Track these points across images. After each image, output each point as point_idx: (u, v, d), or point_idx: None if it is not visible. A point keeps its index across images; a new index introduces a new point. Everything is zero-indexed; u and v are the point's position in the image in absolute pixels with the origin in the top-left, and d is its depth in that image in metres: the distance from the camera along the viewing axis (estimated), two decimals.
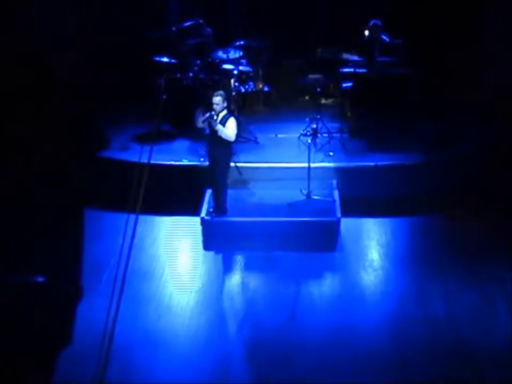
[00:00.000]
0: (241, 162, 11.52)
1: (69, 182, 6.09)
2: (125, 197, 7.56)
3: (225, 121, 10.33)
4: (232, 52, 12.63)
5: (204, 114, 10.48)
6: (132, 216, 6.81)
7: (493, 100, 11.94)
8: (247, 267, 10.13)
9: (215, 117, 10.29)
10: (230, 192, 10.85)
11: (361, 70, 12.43)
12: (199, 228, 10.57)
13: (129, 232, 6.81)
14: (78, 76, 11.32)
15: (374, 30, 12.35)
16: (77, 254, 5.89)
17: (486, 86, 12.29)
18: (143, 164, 8.24)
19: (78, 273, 5.93)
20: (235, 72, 12.33)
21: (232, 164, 10.92)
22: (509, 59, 12.09)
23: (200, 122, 10.72)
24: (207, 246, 10.54)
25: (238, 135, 12.06)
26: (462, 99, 12.48)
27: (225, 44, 12.86)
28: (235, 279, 9.94)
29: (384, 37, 12.40)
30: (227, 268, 10.17)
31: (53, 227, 5.77)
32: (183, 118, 12.53)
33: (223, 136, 10.32)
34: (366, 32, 12.41)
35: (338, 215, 10.58)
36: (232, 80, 12.25)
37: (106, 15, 12.61)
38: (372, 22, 12.37)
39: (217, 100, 10.30)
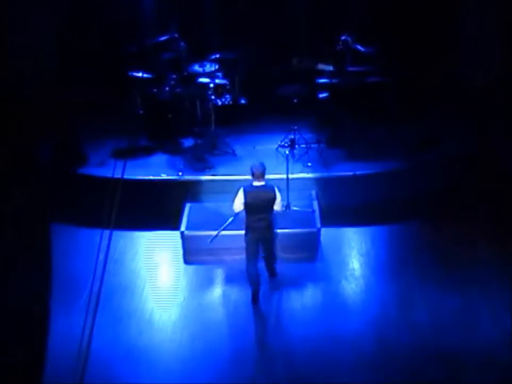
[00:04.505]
0: (219, 175, 11.52)
1: (43, 199, 6.02)
2: (102, 212, 7.52)
3: (274, 191, 9.35)
4: (208, 65, 12.64)
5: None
6: (107, 232, 6.76)
7: (470, 105, 12.01)
8: (228, 280, 10.10)
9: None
10: (208, 205, 10.91)
11: (336, 80, 12.45)
12: (179, 242, 10.53)
13: (107, 248, 6.77)
14: (53, 93, 11.25)
15: (345, 44, 12.39)
16: (48, 273, 5.79)
17: (464, 90, 12.35)
18: (117, 179, 8.21)
19: (48, 292, 5.82)
20: (211, 85, 12.33)
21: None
22: (486, 61, 12.15)
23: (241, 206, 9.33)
24: (187, 260, 10.51)
25: (215, 149, 12.17)
26: (438, 105, 12.55)
27: (201, 58, 12.86)
28: (217, 292, 9.91)
29: (357, 47, 12.42)
30: (208, 281, 10.12)
31: (24, 244, 5.68)
32: (160, 132, 12.52)
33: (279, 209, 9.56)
34: (340, 42, 12.45)
35: (318, 225, 10.58)
36: (208, 94, 12.24)
37: (81, 30, 12.57)
38: (342, 37, 12.39)
39: (262, 171, 9.29)
